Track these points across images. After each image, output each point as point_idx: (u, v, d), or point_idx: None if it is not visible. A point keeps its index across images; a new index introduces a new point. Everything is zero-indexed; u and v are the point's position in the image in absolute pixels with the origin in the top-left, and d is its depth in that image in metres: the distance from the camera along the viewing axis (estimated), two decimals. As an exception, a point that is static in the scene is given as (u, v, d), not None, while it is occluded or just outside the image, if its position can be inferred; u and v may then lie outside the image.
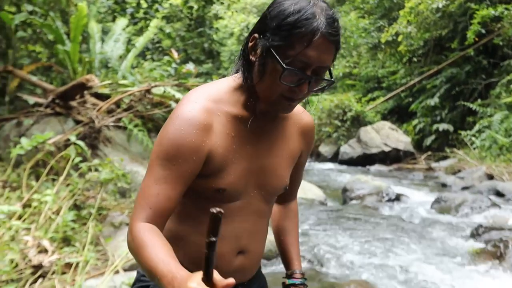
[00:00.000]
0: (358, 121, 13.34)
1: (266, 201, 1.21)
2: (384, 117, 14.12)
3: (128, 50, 7.72)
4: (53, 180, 4.14)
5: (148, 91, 5.73)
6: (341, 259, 4.13)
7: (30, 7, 5.81)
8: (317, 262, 4.11)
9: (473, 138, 10.15)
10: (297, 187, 1.43)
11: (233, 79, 1.14)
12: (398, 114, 14.35)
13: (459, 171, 8.98)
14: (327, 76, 1.11)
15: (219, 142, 1.09)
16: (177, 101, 5.72)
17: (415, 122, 12.70)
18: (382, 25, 14.73)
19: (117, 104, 5.71)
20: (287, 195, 1.41)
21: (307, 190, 6.81)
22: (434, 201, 6.37)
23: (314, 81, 1.05)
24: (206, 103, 1.08)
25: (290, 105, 1.09)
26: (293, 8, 1.01)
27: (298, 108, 1.24)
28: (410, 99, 13.50)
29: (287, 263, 1.40)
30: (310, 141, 1.30)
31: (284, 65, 1.01)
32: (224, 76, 1.20)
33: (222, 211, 0.69)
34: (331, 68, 1.10)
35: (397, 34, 12.81)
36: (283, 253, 1.41)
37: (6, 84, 6.69)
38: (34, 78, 5.77)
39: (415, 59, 13.86)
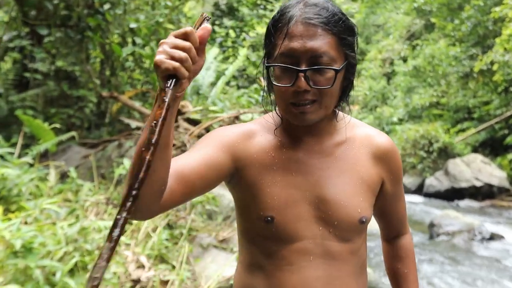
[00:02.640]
0: (446, 153, 12.65)
1: (339, 239, 1.04)
2: (474, 150, 13.25)
3: (217, 78, 8.11)
4: (148, 199, 4.43)
5: (236, 117, 5.96)
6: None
7: (138, 40, 6.35)
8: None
9: None
10: (398, 220, 1.23)
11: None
12: (491, 147, 13.38)
13: None
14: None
15: (257, 155, 1.05)
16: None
17: (511, 156, 11.78)
18: (475, 53, 13.98)
19: (207, 129, 5.99)
20: (391, 230, 1.25)
21: (391, 223, 6.57)
22: (535, 244, 5.85)
23: (313, 73, 0.94)
24: (253, 124, 1.11)
25: (302, 113, 0.97)
26: (275, 13, 0.99)
27: (368, 130, 1.13)
28: (506, 131, 12.57)
29: None
30: (393, 167, 1.12)
31: (266, 64, 0.99)
32: None
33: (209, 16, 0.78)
34: (345, 55, 0.98)
35: (492, 63, 12.09)
36: None
37: (107, 108, 7.35)
38: (136, 104, 6.26)
39: (512, 89, 12.96)
